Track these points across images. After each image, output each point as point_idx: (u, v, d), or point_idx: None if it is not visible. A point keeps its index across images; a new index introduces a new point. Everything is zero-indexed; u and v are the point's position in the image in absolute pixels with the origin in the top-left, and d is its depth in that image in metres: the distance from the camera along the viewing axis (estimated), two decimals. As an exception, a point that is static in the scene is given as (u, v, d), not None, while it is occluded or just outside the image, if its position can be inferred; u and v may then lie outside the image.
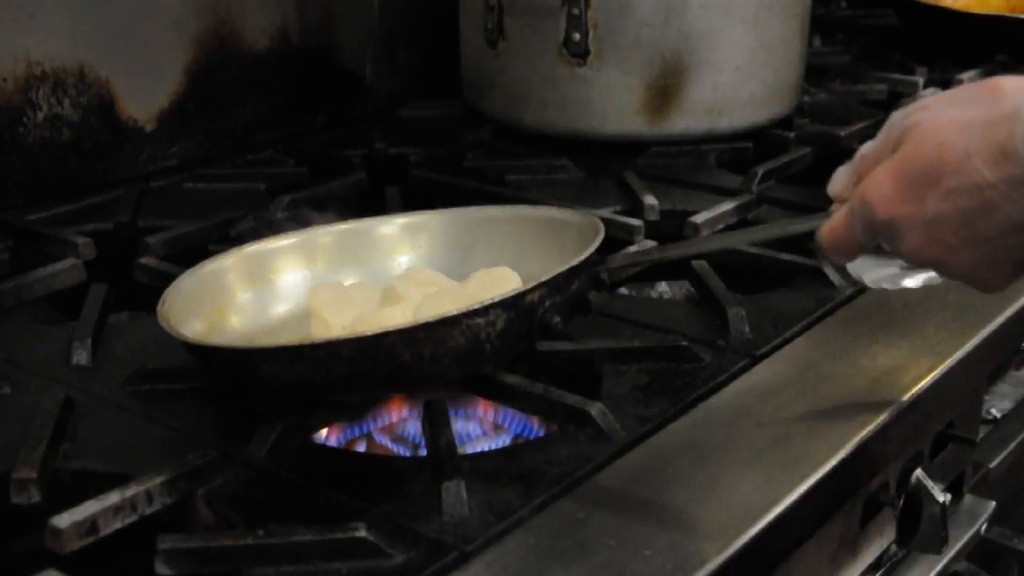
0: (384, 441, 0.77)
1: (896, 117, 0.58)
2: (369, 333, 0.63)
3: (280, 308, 0.82)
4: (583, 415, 0.71)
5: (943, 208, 0.53)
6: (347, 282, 0.83)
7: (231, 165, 1.19)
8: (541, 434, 0.76)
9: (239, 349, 0.65)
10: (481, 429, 0.77)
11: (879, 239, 0.58)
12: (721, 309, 0.85)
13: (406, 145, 1.23)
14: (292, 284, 0.83)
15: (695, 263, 0.94)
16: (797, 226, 0.65)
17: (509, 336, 0.65)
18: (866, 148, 0.59)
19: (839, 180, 0.61)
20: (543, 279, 0.66)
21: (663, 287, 0.93)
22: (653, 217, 1.05)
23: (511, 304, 0.64)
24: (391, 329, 0.63)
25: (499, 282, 0.74)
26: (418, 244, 0.86)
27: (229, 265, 0.81)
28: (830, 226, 0.59)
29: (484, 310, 0.63)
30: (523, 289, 0.65)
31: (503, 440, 0.77)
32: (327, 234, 0.85)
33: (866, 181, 0.56)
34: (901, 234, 0.56)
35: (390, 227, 0.86)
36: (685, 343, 0.80)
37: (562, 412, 0.72)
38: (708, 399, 0.76)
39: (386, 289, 0.79)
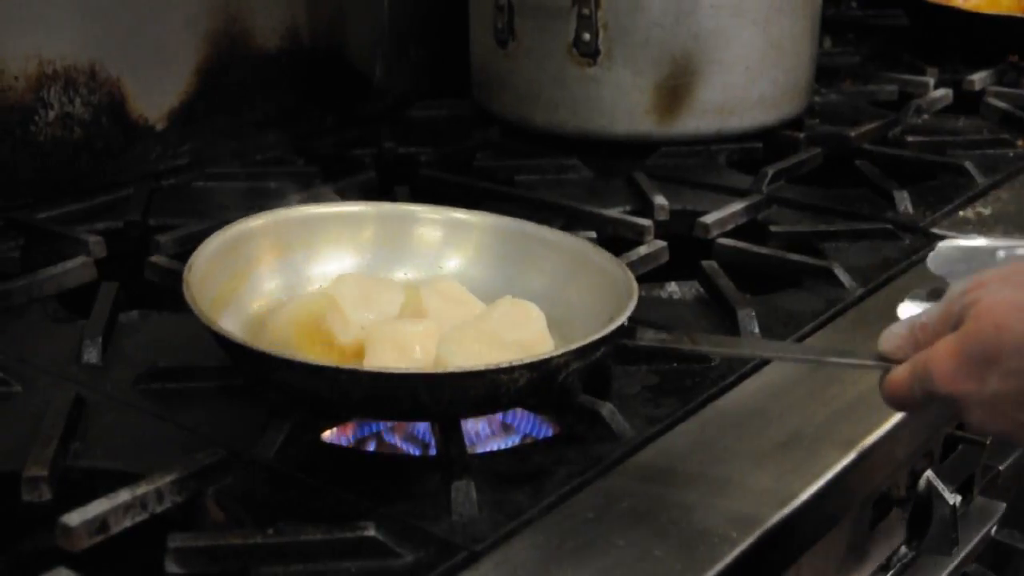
0: (394, 441, 0.77)
1: (955, 292, 0.60)
2: (394, 371, 0.65)
3: (304, 282, 0.81)
4: (593, 415, 0.71)
5: (1004, 387, 0.56)
6: (376, 272, 0.83)
7: (241, 164, 1.19)
8: (550, 434, 0.76)
9: (258, 351, 0.65)
10: (490, 429, 0.76)
11: (941, 407, 0.61)
12: (731, 309, 0.85)
13: (415, 144, 1.23)
14: (322, 258, 0.83)
15: (704, 263, 0.94)
16: (846, 361, 0.66)
17: (528, 391, 0.66)
18: (926, 316, 0.61)
19: (893, 340, 0.62)
20: (572, 347, 0.66)
21: (672, 287, 0.93)
22: (663, 217, 1.05)
23: (537, 367, 0.65)
24: (416, 372, 0.65)
25: (522, 318, 0.74)
26: (460, 244, 0.85)
27: (261, 228, 0.80)
28: (891, 383, 0.62)
29: (510, 369, 0.63)
30: (552, 355, 0.65)
31: (512, 440, 0.77)
32: (368, 212, 0.85)
33: (929, 355, 0.58)
34: (965, 408, 0.58)
35: (436, 219, 0.86)
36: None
37: (572, 412, 0.72)
38: (718, 399, 0.76)
39: (409, 291, 0.79)
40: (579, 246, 0.82)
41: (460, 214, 0.86)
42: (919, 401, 0.60)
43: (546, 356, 0.65)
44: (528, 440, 0.77)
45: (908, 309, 0.70)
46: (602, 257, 0.79)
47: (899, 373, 0.61)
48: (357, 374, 0.64)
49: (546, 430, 0.77)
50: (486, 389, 0.64)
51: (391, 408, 0.67)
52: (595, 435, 0.70)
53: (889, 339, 0.63)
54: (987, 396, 0.56)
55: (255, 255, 0.80)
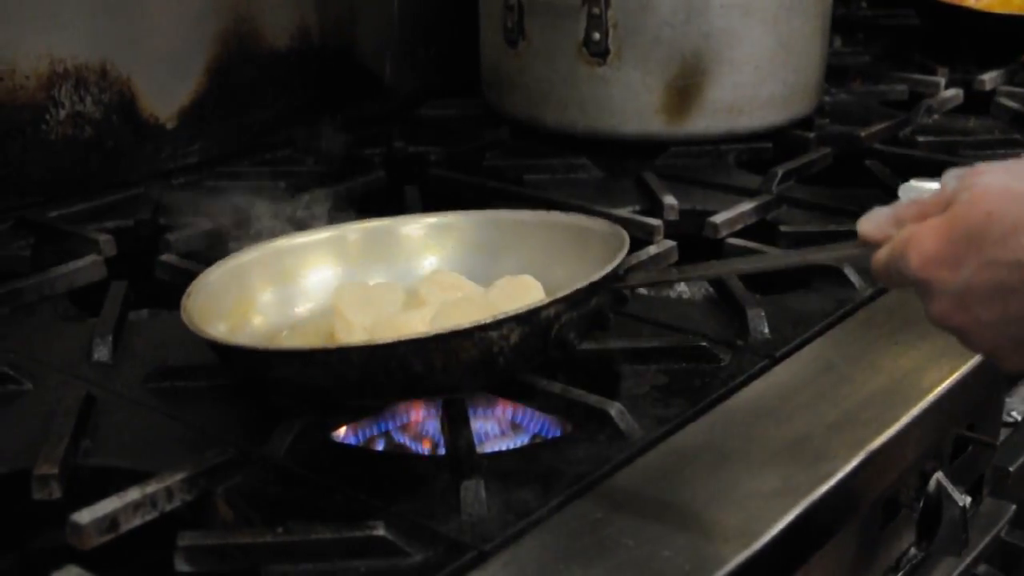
0: (403, 440, 0.77)
1: (950, 176, 0.58)
2: (380, 342, 0.64)
3: (305, 305, 0.82)
4: (602, 415, 0.71)
5: (978, 278, 0.53)
6: (372, 281, 0.83)
7: (251, 163, 1.20)
8: (559, 434, 0.76)
9: (252, 349, 0.65)
10: (500, 428, 0.76)
11: (912, 290, 0.59)
12: (740, 309, 0.85)
13: (425, 144, 1.23)
14: (318, 281, 0.83)
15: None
16: (820, 255, 0.64)
17: (523, 350, 0.65)
18: (915, 195, 0.59)
19: (874, 220, 0.60)
20: (559, 295, 0.65)
21: (682, 287, 0.93)
22: (672, 217, 1.05)
23: (525, 319, 0.64)
24: (402, 339, 0.63)
25: (521, 291, 0.73)
26: (445, 245, 0.85)
27: (256, 260, 0.81)
28: (875, 262, 0.59)
29: (497, 324, 0.63)
30: (538, 304, 0.64)
31: (522, 440, 0.77)
32: (354, 231, 0.85)
33: (910, 233, 0.56)
34: (931, 295, 0.55)
35: (418, 226, 0.86)
36: (704, 343, 0.80)
37: (581, 412, 0.72)
38: (727, 400, 0.76)
39: (410, 291, 0.79)
40: (557, 219, 0.82)
41: (433, 218, 0.87)
42: (896, 283, 0.58)
43: (534, 306, 0.64)
44: (537, 440, 0.77)
45: (909, 191, 0.68)
46: (580, 220, 0.79)
47: (882, 253, 0.58)
48: (346, 351, 0.63)
49: (555, 430, 0.77)
50: (478, 350, 0.63)
51: (388, 385, 0.65)
52: (604, 435, 0.70)
53: (869, 219, 0.60)
54: (957, 285, 0.53)
55: (250, 289, 0.80)
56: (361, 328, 0.74)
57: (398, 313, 0.76)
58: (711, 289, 0.92)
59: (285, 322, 0.80)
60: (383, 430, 0.78)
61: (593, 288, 0.67)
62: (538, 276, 0.76)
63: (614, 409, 0.71)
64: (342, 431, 0.76)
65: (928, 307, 0.56)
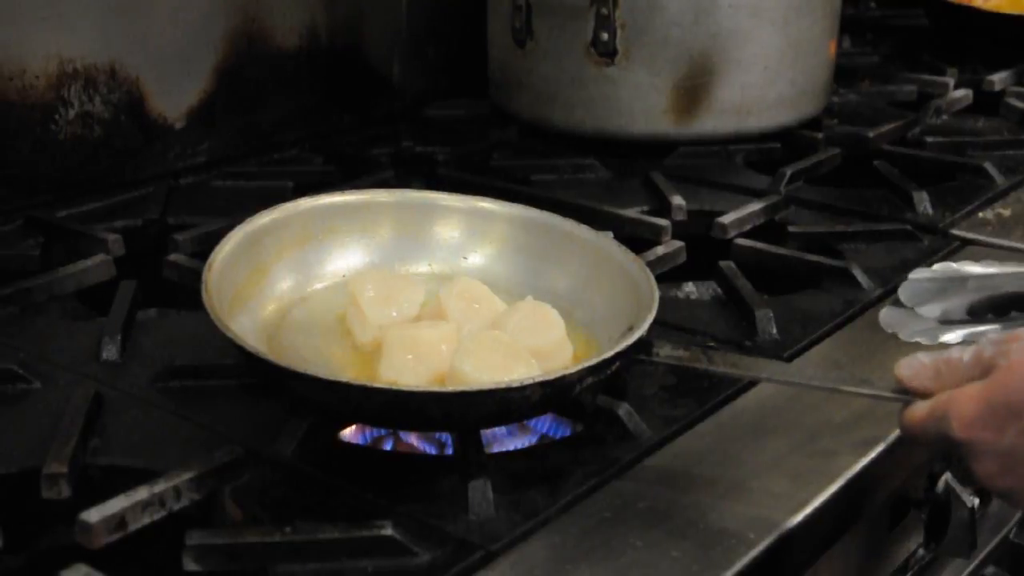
0: (410, 440, 0.77)
1: (989, 340, 0.59)
2: (403, 388, 0.65)
3: (321, 277, 0.82)
4: (610, 415, 0.71)
5: (1021, 442, 0.55)
6: (397, 265, 0.83)
7: (259, 163, 1.19)
8: (568, 434, 0.76)
9: (270, 362, 0.65)
10: (507, 428, 0.76)
11: (953, 453, 0.61)
12: (748, 310, 0.85)
13: (433, 144, 1.23)
14: (340, 252, 0.83)
15: (722, 263, 0.93)
16: (865, 391, 0.65)
17: (541, 406, 0.67)
18: (956, 353, 0.60)
19: (913, 367, 0.61)
20: (588, 363, 0.65)
21: (690, 287, 0.92)
22: (680, 217, 1.05)
23: (551, 384, 0.64)
24: (426, 391, 0.65)
25: (541, 326, 0.73)
26: (486, 237, 0.84)
27: (276, 222, 0.80)
28: (910, 416, 0.61)
29: (522, 387, 0.63)
30: (566, 372, 0.65)
31: (530, 440, 0.76)
32: (387, 200, 0.85)
33: (952, 396, 0.58)
34: (977, 457, 0.57)
35: (459, 209, 0.85)
36: (712, 344, 0.80)
37: (589, 412, 0.72)
38: (735, 400, 0.76)
39: (430, 289, 0.79)
40: (603, 244, 0.81)
41: (484, 203, 0.86)
42: (933, 440, 0.60)
43: (560, 374, 0.65)
44: (545, 440, 0.77)
45: (913, 285, 0.69)
46: (625, 257, 0.78)
47: (920, 408, 0.60)
48: (368, 391, 0.64)
49: (563, 430, 0.77)
50: (498, 406, 0.64)
51: (404, 420, 0.68)
52: (612, 435, 0.70)
53: (909, 366, 0.61)
54: (1003, 448, 0.56)
55: (274, 250, 0.80)
56: (377, 326, 0.74)
57: (415, 318, 0.76)
58: (719, 289, 0.92)
59: (298, 293, 0.79)
60: (391, 430, 0.77)
61: (620, 355, 0.67)
62: (565, 301, 0.77)
63: (622, 409, 0.71)
64: (350, 431, 0.76)
65: (974, 467, 0.58)
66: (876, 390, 0.64)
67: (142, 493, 0.61)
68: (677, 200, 1.07)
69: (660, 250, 0.95)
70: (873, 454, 0.70)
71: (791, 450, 0.70)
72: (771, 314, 0.84)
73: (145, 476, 0.63)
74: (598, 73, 1.20)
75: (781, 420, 0.73)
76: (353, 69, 1.34)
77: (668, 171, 1.16)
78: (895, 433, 0.71)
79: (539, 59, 1.23)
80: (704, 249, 0.99)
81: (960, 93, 1.43)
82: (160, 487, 0.61)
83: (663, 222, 1.00)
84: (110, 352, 0.80)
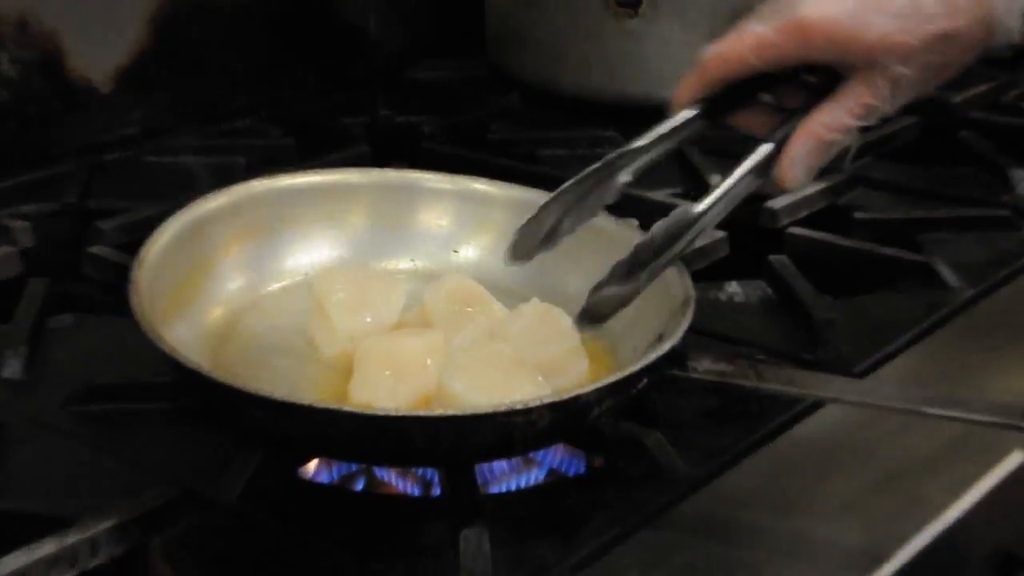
0: (388, 478, 0.76)
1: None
2: (380, 412, 0.65)
3: (281, 274, 0.83)
4: (636, 446, 0.70)
5: None
6: (373, 263, 0.84)
7: (202, 135, 1.19)
8: (583, 470, 0.75)
9: (213, 380, 0.65)
10: (508, 463, 0.75)
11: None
12: (807, 315, 0.84)
13: (417, 113, 1.23)
14: (302, 246, 0.84)
15: (773, 258, 0.93)
16: (960, 415, 0.64)
17: (549, 434, 0.66)
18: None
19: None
20: (606, 382, 0.65)
21: (734, 287, 0.92)
22: (721, 201, 1.04)
23: (561, 407, 0.63)
24: (407, 415, 0.65)
25: (550, 334, 0.73)
26: (478, 224, 0.86)
27: (226, 208, 0.82)
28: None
29: (527, 411, 0.62)
30: (580, 392, 0.64)
31: (536, 477, 0.75)
32: (362, 182, 0.86)
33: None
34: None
35: (449, 193, 0.87)
36: (762, 358, 0.79)
37: (610, 442, 0.71)
38: (793, 428, 0.75)
39: (413, 289, 0.78)
40: (626, 234, 0.81)
41: (480, 184, 0.87)
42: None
43: (573, 394, 0.64)
44: (556, 477, 0.75)
45: None
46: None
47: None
48: (335, 415, 0.62)
49: (578, 465, 0.76)
50: (496, 434, 0.63)
51: (379, 452, 0.67)
52: (639, 472, 0.70)
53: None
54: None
55: (219, 244, 0.81)
56: (347, 336, 0.74)
57: (394, 327, 0.76)
58: (770, 290, 0.91)
59: (250, 296, 0.81)
60: (363, 465, 0.76)
61: (647, 371, 0.66)
62: (580, 301, 0.76)
63: (651, 439, 0.70)
64: (312, 466, 0.75)
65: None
66: (972, 413, 0.64)
67: (48, 547, 0.59)
68: (716, 179, 1.05)
69: (696, 242, 0.94)
70: (971, 497, 0.68)
71: (865, 491, 0.69)
72: (836, 321, 0.83)
73: (53, 525, 0.61)
74: (618, 27, 1.20)
75: (851, 453, 0.73)
76: (319, 22, 1.34)
77: (705, 144, 1.14)
78: (998, 471, 0.70)
79: (547, 10, 1.24)
80: (751, 241, 0.98)
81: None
82: (71, 539, 0.60)
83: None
84: (12, 368, 0.79)
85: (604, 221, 0.82)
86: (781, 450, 0.73)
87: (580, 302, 0.77)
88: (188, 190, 1.01)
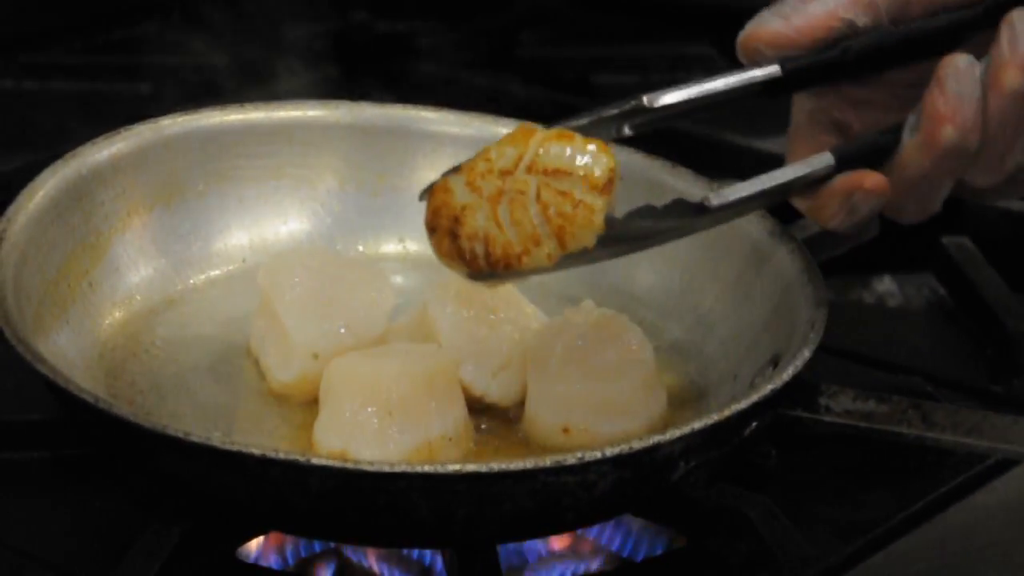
0: (367, 563, 0.77)
1: None
2: (360, 467, 0.65)
3: (210, 259, 0.85)
4: (735, 519, 0.72)
5: None
6: (345, 245, 0.86)
7: (84, 50, 1.21)
8: (659, 551, 0.77)
9: (113, 415, 0.65)
10: (548, 543, 0.77)
11: None
12: (997, 325, 0.86)
13: (409, 16, 1.24)
14: (242, 214, 0.87)
15: (947, 240, 0.94)
16: None
17: (610, 502, 0.68)
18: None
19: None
20: (698, 425, 0.66)
21: (887, 284, 0.94)
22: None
23: (630, 459, 0.65)
24: (402, 470, 0.64)
25: (611, 351, 0.74)
26: None
27: (124, 161, 0.83)
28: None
29: (582, 465, 0.64)
30: (660, 440, 0.66)
31: (588, 565, 0.77)
32: (334, 121, 0.88)
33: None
34: None
35: (458, 136, 0.89)
36: (930, 390, 0.81)
37: (700, 513, 0.73)
38: (974, 494, 0.76)
39: (405, 292, 0.81)
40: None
41: (502, 127, 0.88)
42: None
43: (648, 443, 0.66)
44: (618, 564, 0.77)
45: None
46: (768, 234, 0.80)
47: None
48: (293, 468, 0.64)
49: (652, 545, 0.78)
50: (535, 499, 0.65)
51: (356, 524, 0.68)
52: (739, 555, 0.71)
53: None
54: None
55: (118, 212, 0.82)
56: (307, 355, 0.76)
57: (376, 346, 0.77)
58: (941, 288, 0.93)
59: (164, 291, 0.83)
60: (331, 545, 0.78)
61: (756, 411, 0.68)
62: (653, 308, 0.80)
63: (759, 509, 0.72)
64: (255, 545, 0.77)
65: None
66: None
67: None
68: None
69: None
70: None
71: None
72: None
73: None
74: None
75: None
76: None
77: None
78: None
79: None
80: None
81: None
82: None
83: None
84: None
85: (691, 185, 0.85)
86: (954, 526, 0.74)
87: (653, 308, 0.80)
88: (67, 133, 1.02)
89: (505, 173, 0.67)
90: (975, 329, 0.88)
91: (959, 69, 0.70)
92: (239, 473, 0.65)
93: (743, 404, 0.68)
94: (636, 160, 0.87)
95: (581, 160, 0.67)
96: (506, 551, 0.72)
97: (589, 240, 0.66)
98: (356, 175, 0.88)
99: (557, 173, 0.66)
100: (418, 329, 0.78)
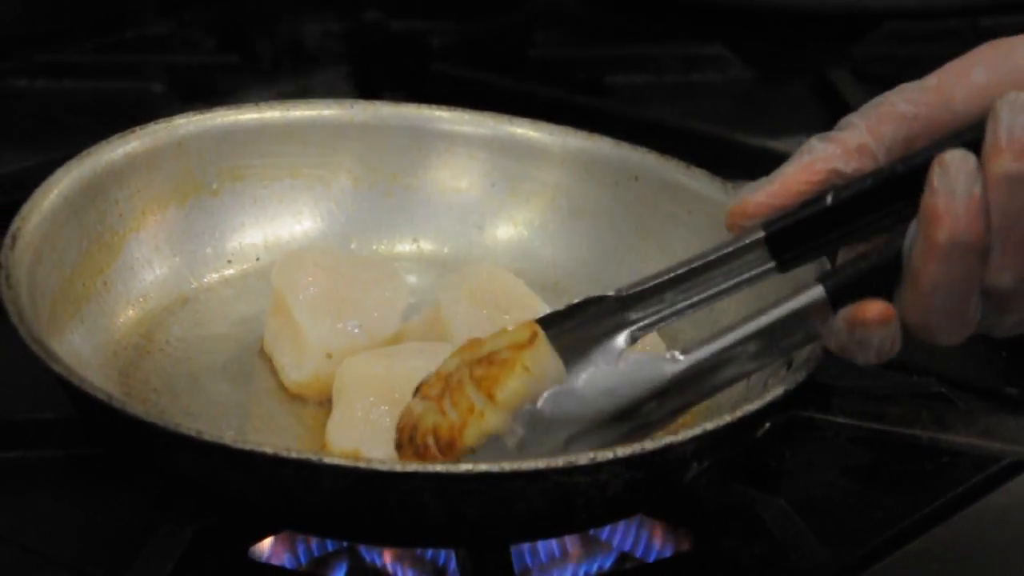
0: (380, 562, 0.77)
1: None
2: (373, 466, 0.65)
3: (223, 259, 0.85)
4: (749, 520, 0.72)
5: None
6: (360, 244, 0.86)
7: (99, 48, 1.21)
8: (669, 554, 0.76)
9: (126, 414, 0.65)
10: (560, 543, 0.76)
11: None
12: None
13: (423, 16, 1.25)
14: (257, 213, 0.87)
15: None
16: None
17: (622, 503, 0.68)
18: None
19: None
20: (710, 426, 0.66)
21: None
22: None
23: (643, 462, 0.65)
24: (415, 470, 0.65)
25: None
26: (518, 188, 0.88)
27: (140, 159, 0.83)
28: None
29: (594, 466, 0.64)
30: (672, 440, 0.66)
31: (601, 564, 0.77)
32: (347, 121, 0.89)
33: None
34: None
35: (474, 137, 0.89)
36: (944, 391, 0.81)
37: (712, 514, 0.73)
38: (986, 497, 0.76)
39: (418, 291, 0.81)
40: (719, 198, 0.83)
41: (519, 128, 0.88)
42: None
43: (660, 443, 0.66)
44: (630, 564, 0.77)
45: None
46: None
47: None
48: (308, 468, 0.64)
49: (663, 547, 0.77)
50: (549, 499, 0.65)
51: (370, 524, 0.68)
52: (752, 556, 0.71)
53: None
54: None
55: (132, 212, 0.82)
56: (321, 354, 0.76)
57: (390, 344, 0.77)
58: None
59: (178, 291, 0.83)
60: (344, 544, 0.78)
61: (768, 412, 0.68)
62: None
63: (772, 509, 0.72)
64: (267, 544, 0.77)
65: None
66: None
67: None
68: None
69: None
70: None
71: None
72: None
73: None
74: None
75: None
76: None
77: (859, 67, 1.17)
78: None
79: None
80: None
81: None
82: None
83: (851, 163, 1.00)
84: None
85: (703, 183, 0.85)
86: (968, 528, 0.74)
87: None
88: (81, 132, 1.02)
89: (448, 376, 0.68)
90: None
91: (947, 164, 0.68)
92: (252, 472, 0.65)
93: (756, 405, 0.67)
94: (650, 160, 0.87)
95: (505, 337, 0.68)
96: (516, 551, 0.72)
97: (518, 383, 0.67)
98: (370, 174, 0.88)
99: (488, 355, 0.67)
100: (432, 328, 0.78)
